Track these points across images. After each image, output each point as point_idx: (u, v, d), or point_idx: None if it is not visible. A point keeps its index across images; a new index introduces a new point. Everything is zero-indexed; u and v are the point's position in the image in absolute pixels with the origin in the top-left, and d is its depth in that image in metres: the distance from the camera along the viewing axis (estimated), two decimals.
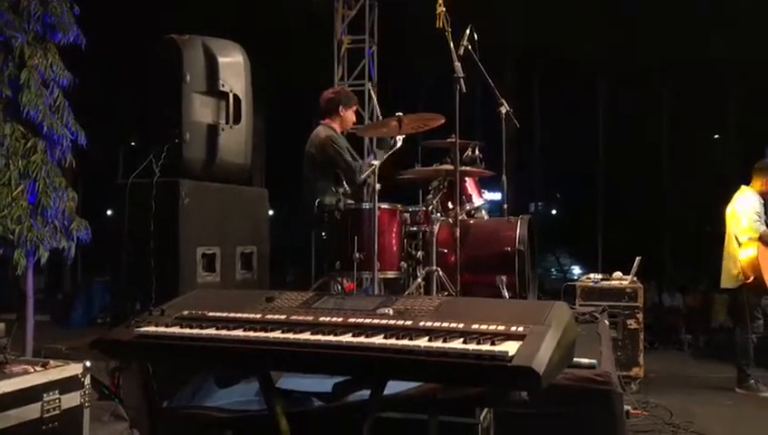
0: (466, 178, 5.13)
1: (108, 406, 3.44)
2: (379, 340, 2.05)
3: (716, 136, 16.00)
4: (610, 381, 3.05)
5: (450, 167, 4.73)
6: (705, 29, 11.33)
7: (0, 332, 3.08)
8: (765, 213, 6.47)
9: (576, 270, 18.93)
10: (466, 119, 4.66)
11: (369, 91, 9.39)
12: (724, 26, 11.03)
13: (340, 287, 4.73)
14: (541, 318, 2.06)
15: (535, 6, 12.31)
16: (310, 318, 2.27)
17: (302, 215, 5.16)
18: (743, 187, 6.63)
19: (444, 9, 4.41)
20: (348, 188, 4.86)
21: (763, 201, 6.56)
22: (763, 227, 6.34)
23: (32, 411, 2.76)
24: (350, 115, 5.41)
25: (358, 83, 9.51)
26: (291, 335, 2.14)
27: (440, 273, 4.53)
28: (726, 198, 6.74)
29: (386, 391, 2.39)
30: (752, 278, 6.25)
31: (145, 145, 4.24)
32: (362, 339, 2.07)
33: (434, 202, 4.89)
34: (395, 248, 4.62)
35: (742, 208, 6.46)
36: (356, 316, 2.24)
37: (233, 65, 4.42)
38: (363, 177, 4.91)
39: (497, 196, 5.94)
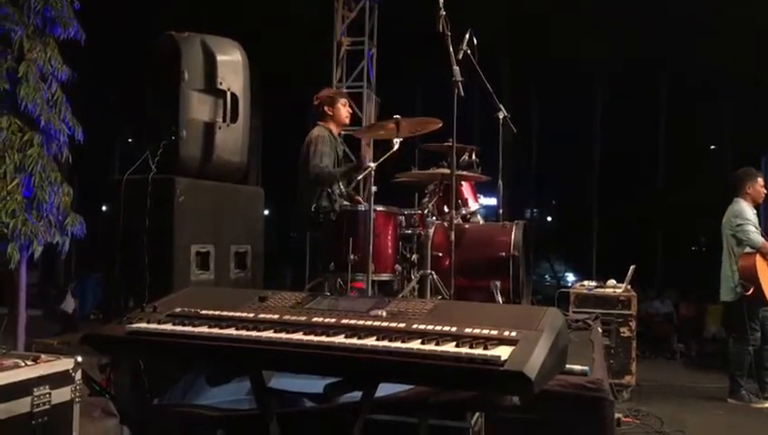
0: (463, 183, 5.13)
1: (98, 402, 3.43)
2: (371, 342, 2.04)
3: (713, 147, 16.05)
4: (602, 389, 3.05)
5: (447, 170, 4.72)
6: (705, 36, 11.35)
7: None
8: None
9: (570, 277, 18.95)
10: (464, 123, 4.65)
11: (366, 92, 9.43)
12: (721, 34, 11.05)
13: (336, 289, 4.71)
14: (534, 324, 2.05)
15: (537, 13, 12.34)
16: (303, 318, 2.26)
17: (298, 215, 5.16)
18: (735, 199, 6.63)
19: (444, 13, 4.41)
20: (343, 189, 4.85)
21: (755, 210, 6.58)
22: (761, 239, 6.34)
23: (21, 406, 2.75)
24: (339, 111, 5.39)
25: (356, 85, 9.53)
26: (283, 335, 2.13)
27: (434, 276, 4.52)
28: (722, 208, 6.75)
29: (377, 394, 2.39)
30: (751, 290, 6.25)
31: (141, 142, 4.22)
32: (355, 340, 2.06)
33: (429, 205, 4.88)
34: (390, 251, 4.62)
35: (737, 221, 6.47)
36: (349, 318, 2.23)
37: (231, 63, 4.40)
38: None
39: (493, 201, 5.95)
